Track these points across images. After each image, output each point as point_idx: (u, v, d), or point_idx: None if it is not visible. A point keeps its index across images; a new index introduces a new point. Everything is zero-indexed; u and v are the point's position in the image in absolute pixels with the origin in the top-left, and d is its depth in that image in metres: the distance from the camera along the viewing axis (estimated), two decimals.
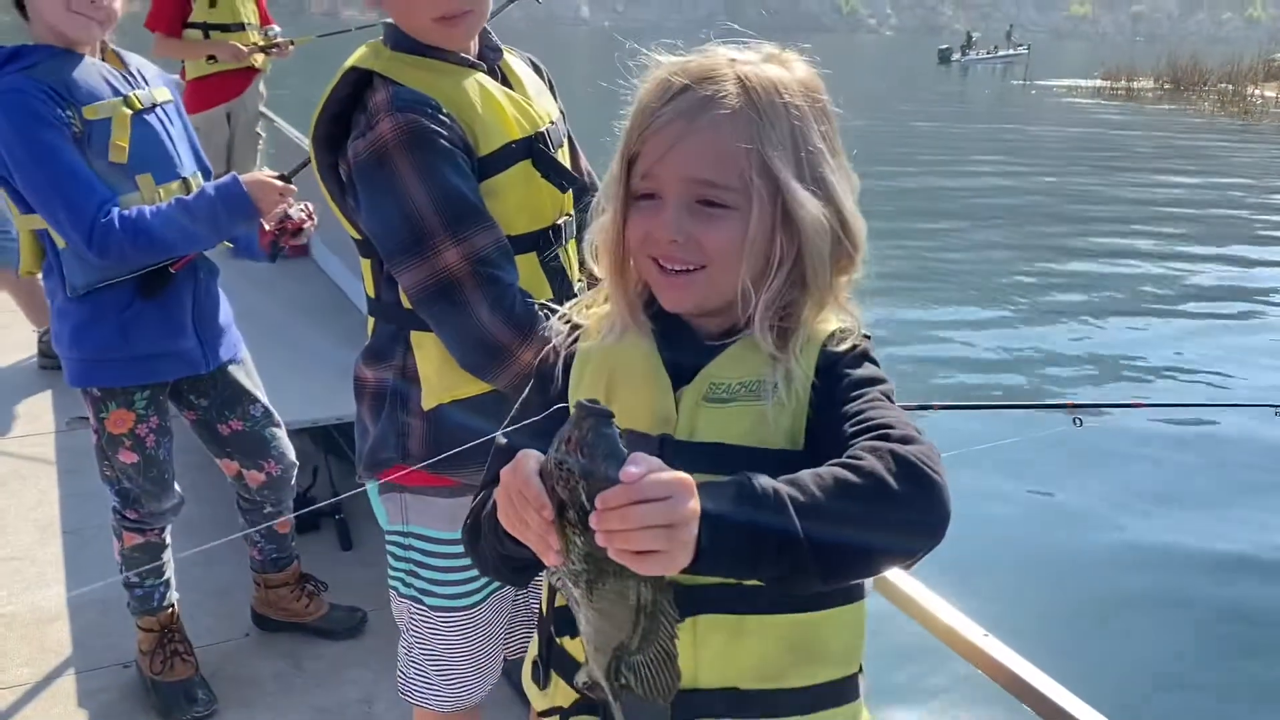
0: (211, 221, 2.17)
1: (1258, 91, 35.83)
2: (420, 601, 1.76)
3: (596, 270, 1.16)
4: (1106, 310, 9.30)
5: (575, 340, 1.19)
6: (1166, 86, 39.12)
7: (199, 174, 2.34)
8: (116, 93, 2.17)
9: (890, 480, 0.90)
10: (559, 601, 1.13)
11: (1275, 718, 3.90)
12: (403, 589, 1.79)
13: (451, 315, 1.54)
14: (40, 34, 2.14)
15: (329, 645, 2.75)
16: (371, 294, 1.71)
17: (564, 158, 1.71)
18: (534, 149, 1.63)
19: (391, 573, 1.80)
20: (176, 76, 2.94)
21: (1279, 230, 13.43)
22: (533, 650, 1.24)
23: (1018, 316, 9.07)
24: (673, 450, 1.06)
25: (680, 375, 1.09)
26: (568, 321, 1.21)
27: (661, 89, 1.06)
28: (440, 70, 1.59)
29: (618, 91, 1.11)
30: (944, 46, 65.59)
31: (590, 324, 1.18)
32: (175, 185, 2.24)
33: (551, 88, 1.81)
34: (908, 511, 0.92)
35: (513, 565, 1.08)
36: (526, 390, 1.23)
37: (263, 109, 5.44)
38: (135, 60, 2.29)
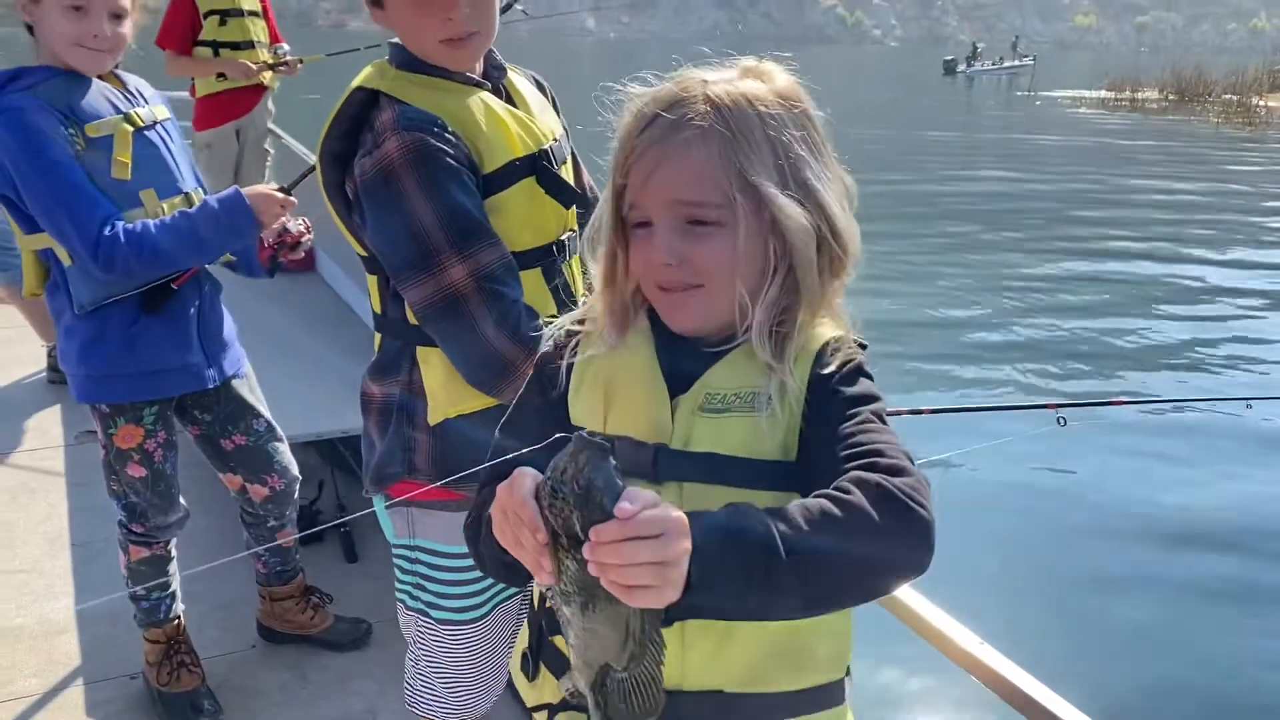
0: (215, 233, 2.20)
1: (1262, 102, 35.79)
2: (427, 614, 1.78)
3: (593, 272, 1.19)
4: (1090, 310, 9.54)
5: (577, 344, 1.20)
6: (1171, 97, 39.14)
7: (199, 189, 2.37)
8: (118, 110, 2.19)
9: (875, 516, 0.92)
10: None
11: None
12: (410, 602, 1.80)
13: (457, 331, 1.56)
14: (46, 59, 2.17)
15: (334, 657, 2.76)
16: (378, 310, 1.73)
17: (567, 174, 1.73)
18: (538, 166, 1.65)
19: (399, 586, 1.82)
20: (179, 93, 2.97)
21: (1264, 234, 13.66)
22: (522, 640, 1.25)
23: (1004, 317, 9.24)
24: (667, 460, 1.08)
25: (679, 381, 1.11)
26: (566, 331, 1.23)
27: (637, 120, 1.10)
28: (445, 89, 1.62)
29: (619, 96, 1.13)
30: (949, 57, 65.68)
31: (590, 331, 1.20)
32: (178, 200, 2.26)
33: (554, 104, 1.83)
34: (892, 546, 0.94)
35: (510, 568, 1.10)
36: (524, 388, 1.25)
37: (271, 125, 5.49)
38: (134, 80, 2.32)
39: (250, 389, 2.53)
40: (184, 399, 2.42)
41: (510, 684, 2.05)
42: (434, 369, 1.65)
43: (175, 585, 2.56)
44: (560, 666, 1.14)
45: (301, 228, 2.34)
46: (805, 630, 1.08)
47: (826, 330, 1.12)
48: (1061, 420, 2.05)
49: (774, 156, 1.07)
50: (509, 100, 1.71)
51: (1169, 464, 5.95)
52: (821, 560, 0.90)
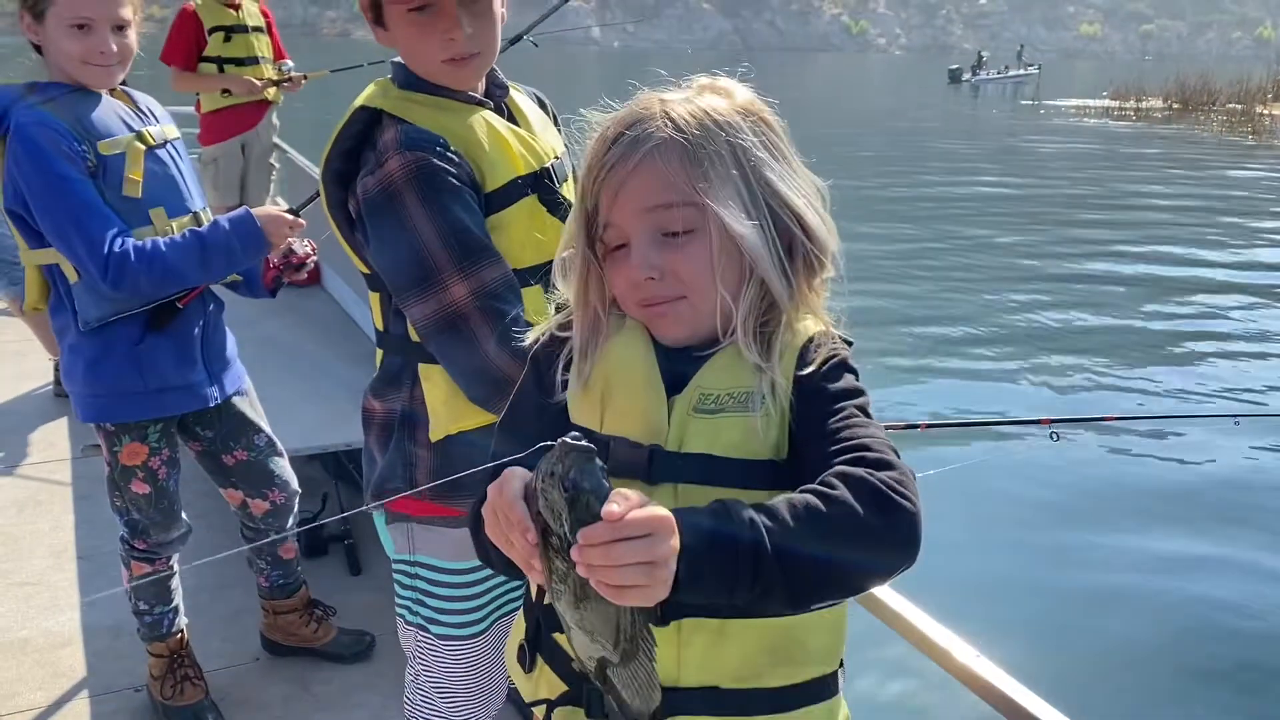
0: (225, 253, 2.22)
1: (1266, 111, 35.76)
2: (426, 629, 1.79)
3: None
4: (1089, 319, 9.59)
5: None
6: (1175, 106, 39.11)
7: (208, 209, 2.39)
8: (130, 128, 2.21)
9: (860, 509, 0.93)
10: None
11: None
12: (409, 617, 1.81)
13: (459, 348, 1.57)
14: (58, 76, 2.19)
15: (337, 669, 2.77)
16: (380, 327, 1.74)
17: (568, 192, 1.75)
18: (539, 184, 1.66)
19: (399, 600, 1.83)
20: (184, 108, 2.99)
21: (1267, 245, 13.63)
22: (517, 633, 1.26)
23: (1004, 327, 9.26)
24: (662, 461, 1.09)
25: (675, 380, 1.12)
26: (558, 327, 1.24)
27: (600, 144, 1.13)
28: (448, 108, 1.63)
29: (581, 124, 1.17)
30: (954, 66, 65.76)
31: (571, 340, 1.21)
32: (186, 219, 2.28)
33: (556, 121, 1.85)
34: (878, 540, 0.95)
35: (514, 563, 1.12)
36: (519, 386, 1.26)
37: (276, 140, 5.52)
38: (144, 99, 2.34)
39: (251, 405, 2.54)
40: (186, 416, 2.43)
41: (510, 697, 2.07)
42: (436, 385, 1.66)
43: (178, 600, 2.57)
44: (558, 659, 1.15)
45: (308, 249, 2.37)
46: (800, 625, 1.10)
47: (810, 327, 1.14)
48: (1055, 435, 2.08)
49: (735, 161, 1.09)
50: (511, 119, 1.72)
51: (1155, 479, 6.00)
52: (807, 556, 0.92)
